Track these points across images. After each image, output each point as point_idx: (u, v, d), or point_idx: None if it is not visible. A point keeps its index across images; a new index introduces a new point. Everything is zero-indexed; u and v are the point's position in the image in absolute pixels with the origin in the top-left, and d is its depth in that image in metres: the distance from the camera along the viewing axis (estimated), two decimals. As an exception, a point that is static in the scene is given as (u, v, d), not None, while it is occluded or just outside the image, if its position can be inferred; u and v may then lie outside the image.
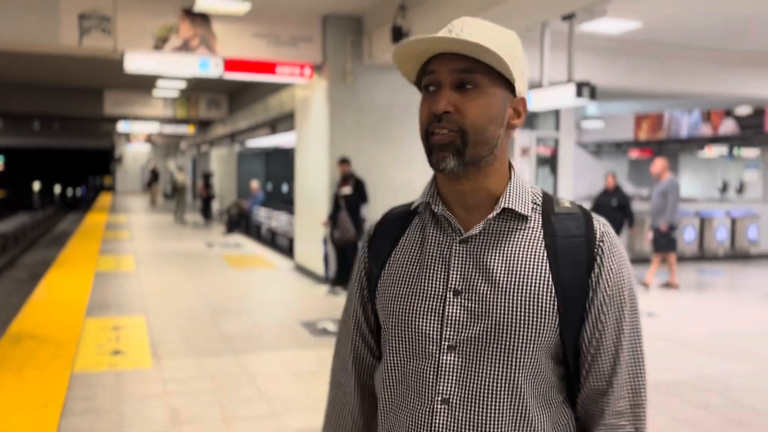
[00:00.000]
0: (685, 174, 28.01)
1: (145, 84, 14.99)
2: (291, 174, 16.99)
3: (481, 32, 1.09)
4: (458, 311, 1.10)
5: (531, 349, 1.08)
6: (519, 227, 1.13)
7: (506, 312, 1.07)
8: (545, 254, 1.10)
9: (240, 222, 16.47)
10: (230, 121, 17.59)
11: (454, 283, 1.11)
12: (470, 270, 1.11)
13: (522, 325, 1.07)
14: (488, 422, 1.07)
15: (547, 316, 1.08)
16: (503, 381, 1.08)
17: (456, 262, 1.12)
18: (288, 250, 12.28)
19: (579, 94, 7.85)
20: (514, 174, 1.16)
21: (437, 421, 1.09)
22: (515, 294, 1.08)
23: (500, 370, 1.08)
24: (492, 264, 1.10)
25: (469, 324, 1.09)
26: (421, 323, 1.12)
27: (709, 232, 11.78)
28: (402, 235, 1.22)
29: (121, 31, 7.98)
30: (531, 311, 1.07)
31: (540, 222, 1.13)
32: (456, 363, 1.09)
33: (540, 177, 11.09)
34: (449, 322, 1.10)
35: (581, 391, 1.13)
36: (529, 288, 1.08)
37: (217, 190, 20.12)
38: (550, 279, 1.09)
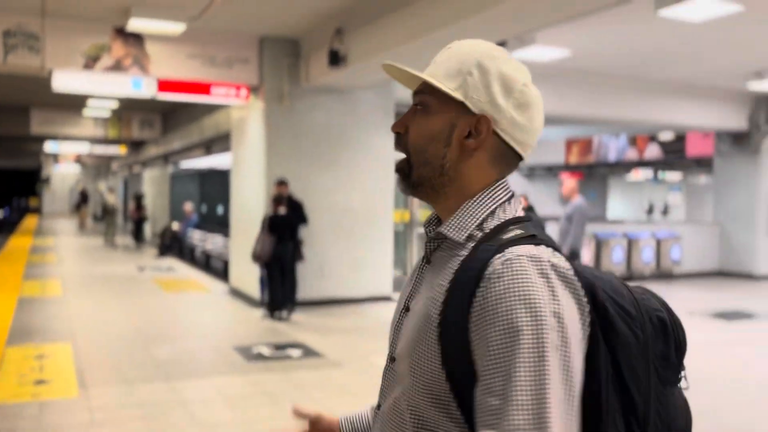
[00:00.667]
0: (614, 196, 29.04)
1: (74, 103, 14.56)
2: (227, 196, 16.77)
3: (444, 53, 1.09)
4: (400, 326, 1.11)
5: (410, 380, 1.02)
6: (455, 254, 1.04)
7: (411, 335, 1.04)
8: (445, 285, 1.01)
9: (173, 245, 16.10)
10: (164, 141, 17.25)
11: (408, 299, 1.12)
12: (420, 289, 1.10)
13: (412, 351, 1.02)
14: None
15: (426, 354, 1.00)
16: (397, 401, 1.06)
17: (417, 280, 1.12)
18: (223, 274, 12.07)
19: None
20: (477, 197, 1.06)
21: (375, 425, 1.14)
22: (419, 319, 1.03)
23: (398, 390, 1.06)
24: (426, 286, 1.07)
25: (400, 339, 1.08)
26: (390, 333, 1.16)
27: (636, 252, 12.23)
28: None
29: (50, 49, 7.76)
30: (419, 340, 1.01)
31: (468, 251, 1.02)
32: (388, 373, 1.12)
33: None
34: (396, 336, 1.11)
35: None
36: (425, 315, 1.02)
37: (149, 212, 19.64)
38: (438, 312, 1.00)
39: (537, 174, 27.49)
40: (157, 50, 8.23)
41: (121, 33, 8.01)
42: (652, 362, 1.03)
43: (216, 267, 12.93)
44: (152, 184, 20.82)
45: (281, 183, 8.20)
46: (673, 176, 24.72)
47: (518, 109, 1.05)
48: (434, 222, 1.14)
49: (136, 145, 21.01)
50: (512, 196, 1.08)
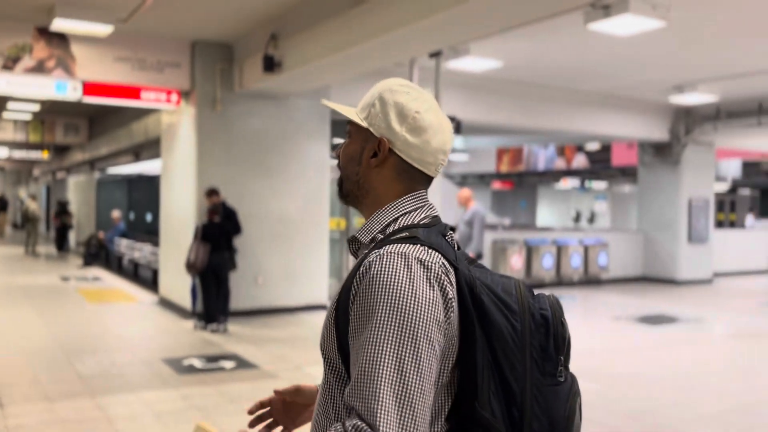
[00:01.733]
0: (543, 204, 29.80)
1: (-8, 105, 13.87)
2: (155, 203, 16.29)
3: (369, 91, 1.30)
4: None
5: (329, 359, 1.18)
6: (363, 254, 1.19)
7: (322, 328, 1.20)
8: (345, 281, 1.17)
9: (99, 254, 15.52)
10: (90, 146, 16.63)
11: None
12: None
13: (324, 344, 1.18)
14: (318, 422, 1.20)
15: (330, 334, 1.16)
16: (325, 390, 1.19)
17: None
18: (152, 283, 11.70)
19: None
20: (387, 206, 1.24)
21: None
22: (327, 317, 1.19)
23: (326, 381, 1.20)
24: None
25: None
26: None
27: (565, 258, 12.56)
28: None
29: (-35, 48, 7.35)
30: (325, 333, 1.18)
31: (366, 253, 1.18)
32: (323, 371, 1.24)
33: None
34: None
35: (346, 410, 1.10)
36: (330, 316, 1.17)
37: (74, 220, 18.88)
38: (335, 302, 1.16)
39: (469, 182, 27.92)
40: (83, 52, 7.92)
41: (45, 33, 7.68)
42: (530, 353, 1.12)
43: (144, 276, 12.53)
44: (77, 191, 20.02)
45: (212, 192, 8.01)
46: (599, 185, 25.57)
47: (412, 132, 1.22)
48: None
49: (60, 150, 20.17)
50: (423, 207, 1.24)
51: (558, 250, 12.54)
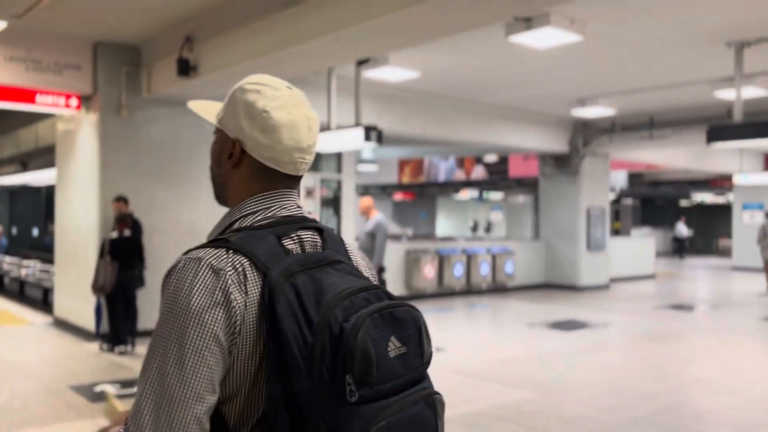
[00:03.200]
0: (442, 214, 30.39)
1: None
2: (43, 216, 15.16)
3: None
4: None
5: None
6: None
7: None
8: None
9: (-23, 272, 14.17)
10: (-35, 155, 15.21)
11: None
12: None
13: None
14: None
15: None
16: None
17: None
18: (42, 303, 10.80)
19: (367, 137, 8.05)
20: (233, 209, 1.23)
21: None
22: None
23: None
24: None
25: None
26: None
27: (474, 267, 12.76)
28: None
29: None
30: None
31: None
32: None
33: (324, 218, 11.15)
34: None
35: None
36: None
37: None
38: None
39: (371, 193, 27.99)
40: (-31, 50, 7.18)
41: (-76, 27, 6.88)
42: (320, 369, 1.03)
43: (32, 296, 11.56)
44: (-52, 204, 18.27)
45: (120, 199, 7.48)
46: (496, 196, 26.37)
47: (261, 132, 1.19)
48: None
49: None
50: (271, 207, 1.21)
51: (468, 259, 12.73)
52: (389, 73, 8.76)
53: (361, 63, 7.84)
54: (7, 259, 13.19)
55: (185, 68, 6.98)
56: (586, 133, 13.46)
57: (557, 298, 12.76)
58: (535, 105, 11.93)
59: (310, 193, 10.79)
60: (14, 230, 15.68)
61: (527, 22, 6.66)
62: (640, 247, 17.52)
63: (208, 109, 1.29)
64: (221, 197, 1.29)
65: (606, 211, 14.49)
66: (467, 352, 7.63)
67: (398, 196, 28.13)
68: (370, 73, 8.67)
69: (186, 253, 1.12)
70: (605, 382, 6.35)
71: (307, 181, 10.79)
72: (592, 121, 13.22)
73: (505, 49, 8.13)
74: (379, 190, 27.42)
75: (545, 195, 14.55)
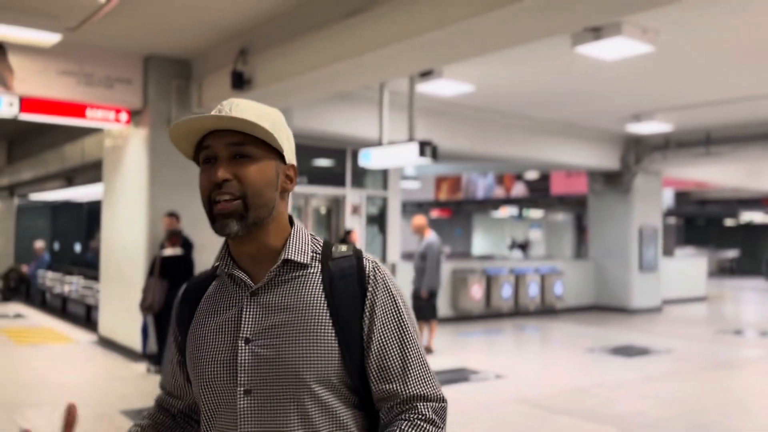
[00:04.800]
0: (478, 232, 29.95)
1: None
2: (85, 231, 15.12)
3: (249, 111, 1.25)
4: (248, 357, 1.21)
5: (316, 383, 1.20)
6: (300, 275, 1.27)
7: (291, 354, 1.20)
8: (323, 295, 1.24)
9: (19, 288, 14.17)
10: (9, 171, 15.28)
11: (244, 332, 1.23)
12: (260, 319, 1.24)
13: (304, 362, 1.19)
14: None
15: (327, 351, 1.21)
16: (296, 418, 1.19)
17: (247, 313, 1.25)
18: (85, 320, 10.67)
19: (422, 153, 7.77)
20: (294, 229, 1.30)
21: None
22: (297, 334, 1.21)
23: (292, 408, 1.19)
24: (278, 310, 1.24)
25: (259, 368, 1.21)
26: (217, 372, 1.24)
27: (522, 288, 12.34)
28: (199, 300, 1.34)
29: None
30: (312, 348, 1.20)
31: (319, 268, 1.28)
32: (253, 405, 1.20)
33: (369, 235, 10.88)
34: (242, 368, 1.21)
35: (383, 393, 1.25)
36: (309, 327, 1.21)
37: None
38: (328, 316, 1.22)
39: (408, 210, 27.70)
40: (22, 63, 7.08)
41: (-22, 41, 6.81)
42: None
43: (75, 313, 11.45)
44: (-9, 219, 18.40)
45: (171, 215, 7.28)
46: (535, 214, 25.86)
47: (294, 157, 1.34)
48: (230, 261, 1.30)
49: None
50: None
51: (516, 279, 12.31)
52: (443, 87, 8.48)
53: (424, 75, 7.57)
54: (50, 274, 13.15)
55: (239, 81, 6.78)
56: (638, 149, 13.00)
57: (609, 321, 12.25)
58: (588, 120, 11.54)
59: (356, 209, 10.53)
60: (56, 246, 15.69)
61: (596, 32, 6.35)
62: (691, 267, 16.88)
63: (264, 130, 1.25)
64: (262, 223, 1.26)
65: (658, 231, 13.97)
66: (528, 380, 7.23)
67: (435, 213, 27.77)
68: (423, 87, 8.41)
69: (360, 256, 1.29)
70: (685, 415, 5.89)
71: (353, 197, 10.53)
72: (644, 138, 12.77)
73: (565, 62, 7.80)
74: (415, 207, 27.12)
75: (595, 213, 14.08)
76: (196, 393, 1.29)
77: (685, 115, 10.73)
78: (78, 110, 7.63)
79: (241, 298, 1.26)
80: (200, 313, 1.31)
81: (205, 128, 1.25)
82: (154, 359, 7.23)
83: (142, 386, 6.62)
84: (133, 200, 8.18)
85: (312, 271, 1.27)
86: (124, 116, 7.99)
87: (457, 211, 27.98)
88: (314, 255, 1.29)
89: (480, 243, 29.41)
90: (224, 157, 1.24)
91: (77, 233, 15.68)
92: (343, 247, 1.31)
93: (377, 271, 1.27)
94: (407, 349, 1.25)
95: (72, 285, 11.83)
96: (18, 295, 14.06)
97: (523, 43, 5.51)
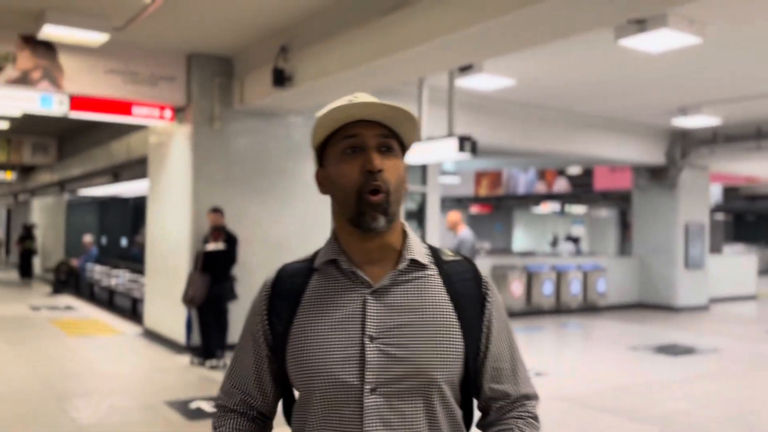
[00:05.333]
0: (519, 228, 29.66)
1: (-44, 123, 12.98)
2: (130, 226, 15.49)
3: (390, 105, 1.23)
4: (376, 355, 1.20)
5: (444, 382, 1.23)
6: (421, 275, 1.28)
7: (420, 352, 1.21)
8: (447, 297, 1.27)
9: (69, 281, 14.60)
10: (60, 167, 15.75)
11: (370, 330, 1.21)
12: (385, 317, 1.22)
13: (435, 362, 1.22)
14: None
15: (455, 351, 1.24)
16: (423, 416, 1.21)
17: (371, 311, 1.23)
18: (131, 313, 10.93)
19: (461, 148, 7.74)
20: (407, 229, 1.31)
21: None
22: (427, 334, 1.22)
23: (419, 405, 1.21)
24: (403, 310, 1.23)
25: (387, 366, 1.20)
26: (340, 370, 1.20)
27: (564, 285, 12.19)
28: (304, 292, 1.29)
29: (-60, 57, 6.66)
30: (442, 348, 1.23)
31: (436, 270, 1.30)
32: (380, 404, 1.19)
33: (409, 232, 10.89)
34: (369, 366, 1.19)
35: (495, 392, 1.32)
36: (438, 327, 1.24)
37: (39, 244, 17.87)
38: (456, 318, 1.25)
39: (447, 206, 27.58)
40: (72, 63, 7.28)
41: (30, 41, 7.02)
42: None
43: (122, 305, 11.73)
44: (44, 214, 18.98)
45: (216, 211, 7.40)
46: (578, 209, 25.49)
47: None
48: (344, 259, 1.27)
49: (24, 171, 19.17)
50: None
51: (558, 276, 12.17)
52: (483, 82, 8.41)
53: (463, 69, 7.53)
54: (98, 268, 13.51)
55: (281, 78, 6.85)
56: (684, 144, 12.70)
57: (654, 318, 12.01)
58: (632, 114, 11.31)
59: (396, 205, 10.53)
60: (104, 240, 16.10)
61: (640, 25, 6.21)
62: (740, 265, 16.43)
63: (408, 127, 1.28)
64: (394, 219, 1.26)
65: (705, 227, 13.62)
66: (570, 378, 7.15)
67: (474, 209, 27.61)
68: (463, 82, 8.36)
69: (471, 261, 1.35)
70: (735, 417, 5.75)
71: (394, 193, 10.53)
72: (691, 132, 12.46)
73: (608, 55, 7.66)
74: (454, 203, 27.00)
75: (639, 209, 13.81)
76: (304, 390, 1.25)
77: (733, 108, 10.43)
78: (124, 108, 7.81)
79: (359, 295, 1.24)
80: (309, 308, 1.26)
81: (353, 116, 1.24)
82: (198, 352, 7.37)
83: (186, 378, 6.76)
84: (177, 196, 8.35)
85: (430, 272, 1.28)
86: (168, 113, 8.15)
87: (497, 207, 27.75)
88: (428, 256, 1.31)
89: (521, 239, 29.12)
90: (373, 148, 1.23)
91: (123, 228, 16.07)
92: (449, 252, 1.34)
93: (489, 279, 1.34)
94: (515, 352, 1.34)
95: (118, 278, 12.14)
96: (68, 287, 14.48)
97: (564, 37, 5.42)
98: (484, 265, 11.37)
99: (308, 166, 8.64)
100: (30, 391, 6.02)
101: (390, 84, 7.86)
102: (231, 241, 7.37)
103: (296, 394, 1.32)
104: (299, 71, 6.83)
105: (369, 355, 1.19)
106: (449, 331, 1.23)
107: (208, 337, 7.22)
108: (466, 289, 1.28)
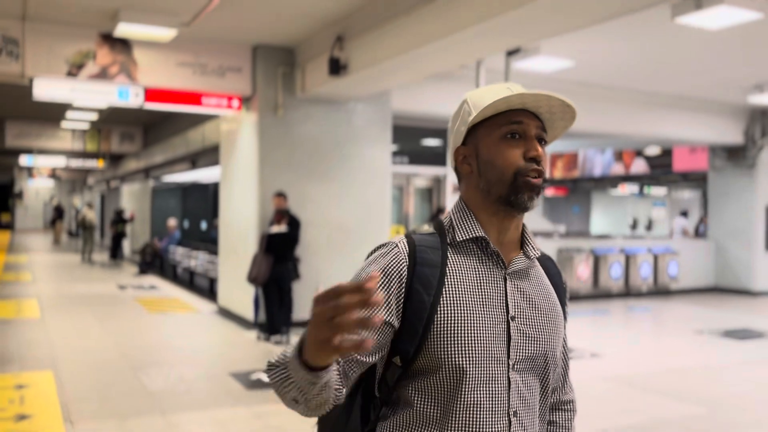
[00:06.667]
0: (597, 211, 28.99)
1: (52, 115, 14.01)
2: (209, 211, 16.25)
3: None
4: (517, 335, 1.30)
5: (557, 364, 1.39)
6: (533, 265, 1.39)
7: (548, 333, 1.34)
8: (551, 287, 1.40)
9: (154, 262, 15.53)
10: (145, 155, 16.71)
11: (512, 310, 1.30)
12: (519, 298, 1.32)
13: (556, 343, 1.36)
14: (535, 429, 1.34)
15: (563, 336, 1.41)
16: (540, 393, 1.35)
17: (510, 292, 1.32)
18: (209, 292, 11.57)
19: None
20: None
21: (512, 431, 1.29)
22: (551, 318, 1.36)
23: (540, 384, 1.34)
24: (532, 293, 1.35)
25: (525, 345, 1.30)
26: (494, 347, 1.27)
27: (633, 268, 11.98)
28: (446, 264, 1.30)
29: (30, 56, 7.29)
30: (559, 331, 1.37)
31: (538, 263, 1.41)
32: (517, 379, 1.29)
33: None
34: (513, 344, 1.29)
35: (559, 389, 1.48)
36: (556, 313, 1.38)
37: (128, 228, 19.03)
38: (561, 307, 1.40)
39: (521, 189, 27.31)
40: (145, 57, 7.80)
41: (108, 39, 7.57)
42: None
43: (201, 285, 12.43)
44: (132, 199, 20.20)
45: (280, 195, 7.78)
46: (658, 191, 24.70)
47: None
48: (480, 236, 1.32)
49: (114, 159, 20.40)
50: None
51: (626, 259, 11.97)
52: (541, 63, 8.39)
53: (511, 53, 7.56)
54: (180, 250, 14.31)
55: (336, 67, 7.11)
56: (764, 121, 12.16)
57: (728, 303, 11.65)
58: (703, 92, 10.94)
59: (456, 188, 10.65)
60: (186, 224, 16.96)
61: (697, 1, 6.08)
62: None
63: (564, 125, 1.39)
64: None
65: (788, 209, 13.00)
66: (625, 360, 7.14)
67: (549, 192, 27.18)
68: (521, 64, 8.36)
69: (548, 256, 1.47)
70: (788, 400, 5.64)
71: (455, 177, 10.64)
72: (772, 109, 11.92)
73: (669, 33, 7.50)
74: (529, 186, 26.68)
75: (715, 191, 13.33)
76: (451, 362, 1.24)
77: (816, 83, 9.92)
78: (194, 98, 8.29)
79: (498, 275, 1.31)
80: (457, 282, 1.28)
81: (523, 105, 1.31)
82: (264, 328, 7.81)
83: (252, 352, 7.19)
84: (245, 181, 8.79)
85: (536, 264, 1.39)
86: (235, 103, 8.58)
87: (573, 189, 27.23)
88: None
89: (599, 222, 28.48)
90: (533, 137, 1.31)
91: (204, 212, 16.85)
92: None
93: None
94: (568, 355, 1.50)
95: (198, 260, 12.84)
96: (153, 268, 15.41)
97: (618, 16, 5.39)
98: (549, 248, 11.34)
99: (368, 151, 8.91)
100: (109, 360, 6.61)
101: (445, 68, 7.98)
102: (293, 224, 7.73)
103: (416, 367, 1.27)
104: (354, 60, 7.06)
105: (513, 334, 1.28)
106: (560, 317, 1.37)
107: (272, 315, 7.64)
108: (558, 282, 1.42)
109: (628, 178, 22.57)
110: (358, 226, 8.82)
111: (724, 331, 8.76)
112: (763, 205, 12.61)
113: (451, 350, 1.24)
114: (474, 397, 1.24)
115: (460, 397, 1.24)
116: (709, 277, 13.14)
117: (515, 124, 1.30)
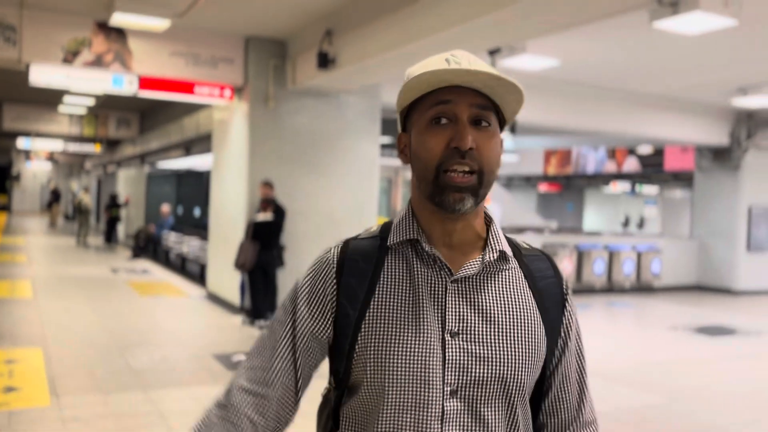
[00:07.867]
0: (590, 208, 29.21)
1: (50, 99, 14.17)
2: (203, 197, 16.44)
3: (491, 70, 1.05)
4: (458, 354, 1.06)
5: (527, 386, 1.11)
6: (503, 267, 1.14)
7: (507, 352, 1.08)
8: (531, 294, 1.13)
9: (147, 247, 15.75)
10: (141, 141, 16.89)
11: (450, 324, 1.07)
12: (465, 310, 1.08)
13: (521, 364, 1.09)
14: None
15: (539, 354, 1.12)
16: (504, 421, 1.09)
17: (450, 302, 1.09)
18: (199, 277, 11.80)
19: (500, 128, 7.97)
20: (490, 213, 1.18)
21: None
22: (514, 334, 1.09)
23: (501, 410, 1.08)
24: (487, 304, 1.10)
25: (470, 367, 1.06)
26: (421, 368, 1.06)
27: (617, 265, 12.22)
28: (379, 273, 1.12)
29: (27, 42, 7.48)
30: (528, 349, 1.10)
31: (516, 263, 1.16)
32: (460, 408, 1.06)
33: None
34: (450, 365, 1.06)
35: (556, 414, 1.19)
36: (525, 327, 1.10)
37: (123, 213, 19.23)
38: (540, 318, 1.13)
39: (515, 184, 27.55)
40: (139, 47, 7.98)
41: (103, 27, 7.76)
42: None
43: (192, 270, 12.64)
44: (127, 185, 20.39)
45: (267, 184, 7.99)
46: (649, 189, 24.92)
47: None
48: (425, 241, 1.11)
49: (111, 144, 20.57)
50: None
51: (610, 255, 12.21)
52: (527, 62, 8.58)
53: (493, 53, 7.75)
54: (173, 236, 14.52)
55: (324, 61, 7.30)
56: (749, 124, 12.38)
57: (708, 301, 11.90)
58: (689, 94, 11.14)
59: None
60: (180, 210, 17.16)
61: (673, 7, 6.27)
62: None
63: (514, 99, 1.09)
64: (482, 201, 1.10)
65: (771, 210, 13.25)
66: (600, 353, 7.37)
67: (543, 188, 27.41)
68: (508, 63, 8.55)
69: (550, 257, 1.23)
70: (750, 394, 5.88)
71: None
72: (757, 112, 12.13)
73: (653, 34, 7.68)
74: (522, 181, 26.91)
75: (701, 190, 13.57)
76: (374, 385, 1.07)
77: (798, 87, 10.13)
78: (187, 87, 8.48)
79: (440, 284, 1.09)
80: (386, 293, 1.10)
81: (448, 82, 1.06)
82: (249, 312, 8.04)
83: (236, 336, 7.42)
84: (235, 170, 9.00)
85: (513, 265, 1.14)
86: (227, 92, 8.77)
87: (567, 186, 27.44)
88: (511, 248, 1.17)
89: (592, 219, 28.71)
90: (465, 120, 1.05)
91: (198, 199, 17.03)
92: (523, 243, 1.21)
93: (566, 279, 1.21)
94: (584, 365, 1.23)
95: (190, 246, 13.06)
96: (146, 253, 15.63)
97: (596, 20, 5.60)
98: (532, 242, 11.55)
99: (357, 143, 9.11)
100: (97, 340, 6.83)
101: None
102: (279, 212, 7.95)
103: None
104: (342, 54, 7.25)
105: (450, 354, 1.05)
106: (535, 331, 1.11)
107: (256, 300, 7.86)
108: (549, 288, 1.15)
109: (620, 176, 22.79)
110: (346, 216, 9.04)
111: (696, 327, 9.01)
112: (747, 206, 12.85)
113: (371, 370, 1.07)
114: (393, 425, 1.06)
115: (378, 425, 1.07)
116: (692, 276, 13.39)
117: (442, 105, 1.06)
